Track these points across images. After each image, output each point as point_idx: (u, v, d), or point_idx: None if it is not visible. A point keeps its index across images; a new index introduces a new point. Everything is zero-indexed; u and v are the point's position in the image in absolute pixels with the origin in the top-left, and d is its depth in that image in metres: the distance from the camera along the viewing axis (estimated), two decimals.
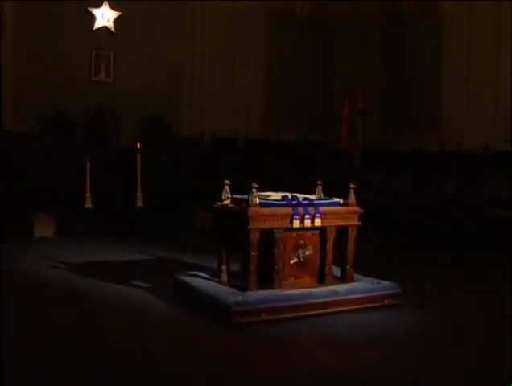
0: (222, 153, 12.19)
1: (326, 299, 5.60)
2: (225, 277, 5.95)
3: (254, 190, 5.51)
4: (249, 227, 5.44)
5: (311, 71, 13.52)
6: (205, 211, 10.53)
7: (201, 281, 5.86)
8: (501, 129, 10.36)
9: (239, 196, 5.95)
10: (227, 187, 6.02)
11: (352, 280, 6.00)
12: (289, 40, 13.40)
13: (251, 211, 5.44)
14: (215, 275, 6.01)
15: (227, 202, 5.96)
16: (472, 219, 8.34)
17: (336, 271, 6.03)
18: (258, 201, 5.52)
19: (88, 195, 10.20)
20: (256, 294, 5.42)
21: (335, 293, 5.69)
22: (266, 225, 5.53)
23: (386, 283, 6.04)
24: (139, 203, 10.54)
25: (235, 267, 6.07)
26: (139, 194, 10.51)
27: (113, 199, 10.44)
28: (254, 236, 5.48)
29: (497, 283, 6.96)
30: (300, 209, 5.66)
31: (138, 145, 10.61)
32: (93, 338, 4.91)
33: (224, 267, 5.97)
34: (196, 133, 12.26)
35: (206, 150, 12.18)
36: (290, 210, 5.63)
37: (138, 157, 10.50)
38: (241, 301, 5.24)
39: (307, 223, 5.69)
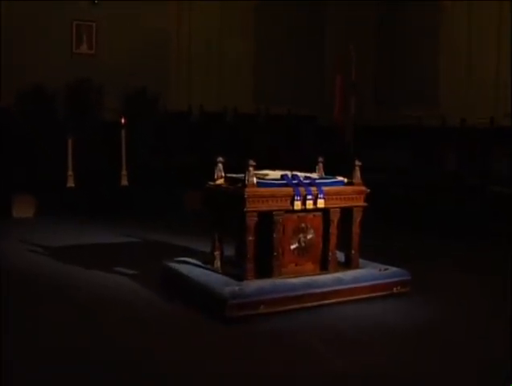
0: (210, 129, 11.51)
1: (330, 288, 5.01)
2: (218, 264, 5.35)
3: (251, 168, 4.88)
4: (245, 209, 4.82)
5: (302, 43, 12.81)
6: (194, 190, 10.01)
7: (192, 269, 5.25)
8: (502, 104, 9.73)
9: (234, 175, 5.33)
10: (220, 165, 5.39)
11: (357, 266, 5.42)
12: (278, 10, 12.65)
13: (248, 191, 4.81)
14: (207, 261, 5.40)
15: (220, 181, 5.33)
16: (474, 197, 7.75)
17: (340, 256, 5.43)
18: (255, 180, 4.89)
19: (70, 173, 9.58)
20: (254, 284, 4.81)
21: (340, 281, 5.10)
22: (265, 207, 4.91)
23: (394, 269, 5.46)
24: (124, 182, 9.95)
25: (229, 251, 5.45)
26: (124, 172, 9.92)
27: (96, 177, 9.80)
28: (251, 220, 4.86)
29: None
30: (302, 189, 5.04)
31: (123, 121, 9.99)
32: (80, 336, 4.30)
33: (217, 253, 5.36)
34: (184, 107, 11.56)
35: (194, 125, 11.49)
36: (290, 190, 5.01)
37: (123, 132, 9.88)
38: (237, 293, 4.63)
39: (310, 204, 5.08)
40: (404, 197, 8.49)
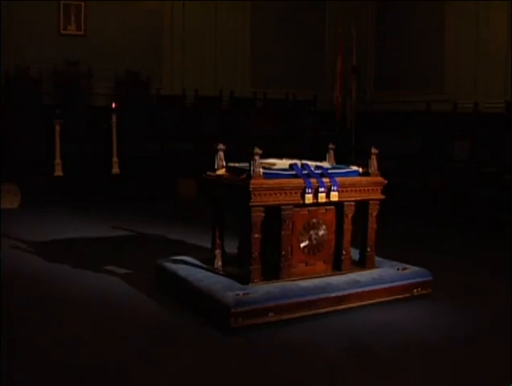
0: (205, 114, 10.87)
1: (346, 292, 4.41)
2: (219, 264, 4.73)
3: (257, 157, 4.25)
4: (250, 203, 4.20)
5: (301, 25, 12.12)
6: (189, 178, 9.42)
7: (190, 270, 4.63)
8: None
9: (236, 164, 4.70)
10: (221, 153, 4.75)
11: (373, 265, 4.82)
12: None
13: (253, 183, 4.19)
14: (206, 260, 4.79)
15: (221, 171, 4.70)
16: (489, 186, 7.15)
17: (353, 254, 4.82)
18: (261, 171, 4.27)
19: (57, 161, 8.96)
20: (261, 288, 4.20)
21: (356, 283, 4.50)
22: (272, 201, 4.29)
23: (414, 269, 4.86)
24: (115, 170, 9.36)
25: (230, 248, 4.84)
26: (115, 159, 9.34)
27: (85, 165, 9.17)
28: (257, 215, 4.25)
29: None
30: (313, 180, 4.43)
31: (113, 105, 9.39)
32: (65, 346, 3.69)
33: (217, 251, 4.74)
34: (177, 91, 10.89)
35: (188, 110, 10.84)
36: (301, 182, 4.39)
37: (114, 118, 9.29)
38: (242, 299, 4.02)
39: (322, 197, 4.46)
40: (413, 186, 7.86)
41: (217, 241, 4.74)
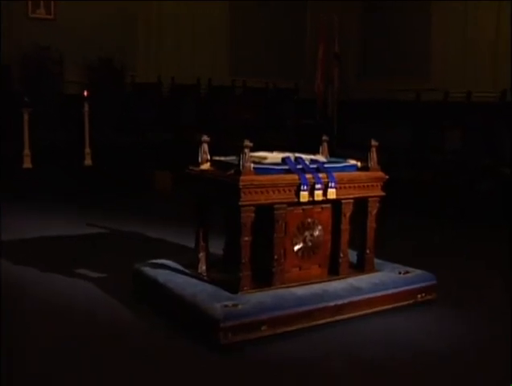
0: (182, 103, 10.32)
1: (346, 300, 3.95)
2: (203, 268, 4.23)
3: (247, 150, 3.75)
4: (240, 202, 3.70)
5: (281, 11, 11.60)
6: (165, 170, 8.90)
7: (171, 276, 4.12)
8: (500, 77, 8.69)
9: (222, 158, 4.20)
10: (205, 146, 4.24)
11: (372, 269, 4.36)
12: None
13: (243, 180, 3.70)
14: (189, 264, 4.28)
15: (206, 166, 4.19)
16: (487, 180, 6.73)
17: (350, 255, 4.36)
18: (252, 166, 3.77)
19: (26, 152, 8.35)
20: (252, 298, 3.72)
21: (356, 290, 4.03)
22: (264, 200, 3.81)
23: (417, 272, 4.41)
24: (88, 161, 8.78)
25: (215, 248, 4.35)
26: (88, 150, 8.75)
27: (56, 156, 8.55)
28: (248, 216, 3.76)
29: None
30: (309, 176, 3.94)
31: (85, 93, 8.78)
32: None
33: (201, 254, 4.24)
34: (153, 79, 10.32)
35: (164, 99, 10.28)
36: (295, 177, 3.90)
37: (86, 107, 8.68)
38: (232, 312, 3.53)
39: (319, 195, 3.99)
40: (403, 178, 7.39)
41: (201, 243, 4.23)
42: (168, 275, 4.11)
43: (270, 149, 4.32)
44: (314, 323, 3.78)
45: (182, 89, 10.42)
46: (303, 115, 10.81)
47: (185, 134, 9.52)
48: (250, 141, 3.77)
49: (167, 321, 3.84)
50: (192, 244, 4.45)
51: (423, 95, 8.98)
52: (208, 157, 4.22)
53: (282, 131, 10.20)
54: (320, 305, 3.81)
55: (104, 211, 7.26)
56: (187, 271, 4.19)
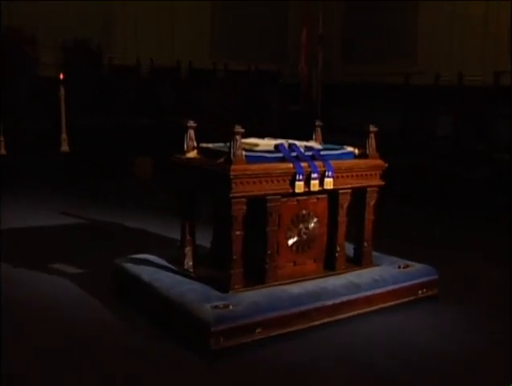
0: (162, 86, 9.93)
1: (345, 298, 3.65)
2: (189, 264, 3.91)
3: (238, 137, 3.42)
4: (231, 194, 3.37)
5: None
6: (145, 155, 8.54)
7: (156, 273, 3.79)
8: (492, 60, 8.42)
9: (210, 145, 3.87)
10: (191, 132, 3.90)
11: (370, 263, 4.07)
12: None
13: (234, 169, 3.37)
14: (173, 259, 3.96)
15: (192, 154, 3.85)
16: (481, 166, 6.46)
17: (346, 248, 4.06)
18: (243, 154, 3.44)
19: (0, 138, 7.90)
20: (244, 298, 3.40)
21: (356, 287, 3.74)
22: (257, 191, 3.49)
23: (417, 266, 4.13)
24: (64, 148, 8.33)
25: (202, 240, 4.04)
26: (64, 136, 8.30)
27: (31, 142, 8.14)
28: (239, 209, 3.44)
29: None
30: (304, 165, 3.63)
31: (61, 76, 8.31)
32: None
33: (188, 249, 3.91)
34: (131, 61, 9.90)
35: (143, 82, 9.88)
36: (289, 166, 3.59)
37: (62, 90, 8.22)
38: (224, 314, 3.21)
39: (315, 185, 3.68)
40: (393, 165, 7.07)
41: (188, 237, 3.91)
42: (153, 272, 3.78)
43: (255, 136, 3.99)
44: (311, 324, 3.48)
45: (161, 72, 10.01)
46: (287, 99, 10.48)
47: (165, 118, 9.17)
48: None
49: (152, 323, 3.52)
50: (176, 236, 4.17)
51: (412, 78, 8.68)
52: (195, 144, 3.89)
53: (266, 116, 9.86)
54: (318, 305, 3.51)
55: (81, 200, 6.91)
56: (172, 267, 3.86)
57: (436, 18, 9.17)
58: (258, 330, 3.27)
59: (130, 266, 3.91)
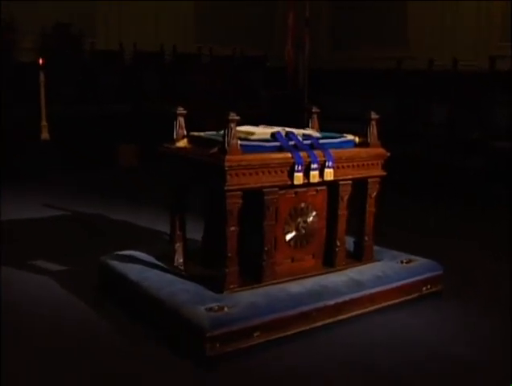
0: (146, 71, 9.59)
1: (347, 297, 3.41)
2: (180, 261, 3.64)
3: (233, 125, 3.15)
4: (226, 187, 3.11)
5: None
6: (129, 143, 8.23)
7: (144, 272, 3.52)
8: (486, 44, 8.19)
9: (201, 134, 3.59)
10: (181, 119, 3.62)
11: (371, 258, 3.83)
12: None
13: (229, 160, 3.10)
14: (162, 255, 3.69)
15: (183, 142, 3.58)
16: (477, 155, 6.23)
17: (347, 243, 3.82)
18: (239, 144, 3.17)
19: None
20: (241, 298, 3.15)
21: (358, 285, 3.49)
22: (253, 183, 3.23)
23: (421, 261, 3.90)
24: (45, 135, 8.00)
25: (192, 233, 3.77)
26: (44, 123, 7.97)
27: (10, 130, 7.79)
28: (234, 202, 3.17)
29: None
30: (304, 154, 3.36)
31: (41, 61, 7.97)
32: None
33: (178, 245, 3.64)
34: (114, 46, 9.53)
35: (126, 67, 9.52)
36: (288, 156, 3.33)
37: (41, 76, 7.89)
38: (220, 318, 2.96)
39: (315, 176, 3.42)
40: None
41: (178, 232, 3.64)
42: (141, 271, 3.51)
43: (244, 123, 3.71)
44: (312, 325, 3.23)
45: (145, 57, 9.66)
46: (274, 84, 10.19)
47: (150, 105, 8.86)
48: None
49: (141, 325, 3.26)
50: (164, 229, 3.95)
51: (404, 64, 8.41)
52: (185, 132, 3.61)
53: (253, 101, 9.56)
54: (319, 305, 3.26)
55: (64, 191, 6.60)
56: (161, 265, 3.60)
57: (427, 1, 8.90)
58: (256, 334, 3.02)
59: (116, 264, 3.64)
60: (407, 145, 6.69)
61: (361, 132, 3.84)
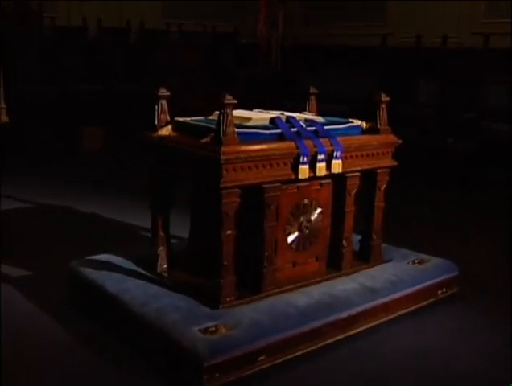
0: (111, 49, 8.95)
1: (360, 308, 2.92)
2: (164, 266, 3.11)
3: (229, 110, 2.62)
4: (222, 184, 2.58)
5: None
6: (94, 126, 7.62)
7: (123, 282, 2.98)
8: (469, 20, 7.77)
9: (188, 120, 3.05)
10: (163, 102, 3.06)
11: (380, 259, 3.36)
12: None
13: (226, 152, 2.58)
14: (143, 259, 3.16)
15: (167, 130, 3.02)
16: (470, 137, 5.80)
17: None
18: (235, 132, 2.65)
19: None
20: (241, 315, 2.64)
21: (372, 292, 3.02)
22: (252, 179, 2.71)
23: (435, 261, 3.45)
24: (4, 118, 7.36)
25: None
26: (3, 105, 7.34)
27: None
28: (231, 202, 2.66)
29: None
30: (309, 143, 2.85)
31: None
32: None
33: (161, 249, 3.10)
34: (76, 22, 8.87)
35: (90, 45, 8.87)
36: (292, 146, 2.81)
37: None
38: (220, 343, 2.45)
39: (321, 169, 2.92)
40: None
41: (161, 235, 3.10)
42: (119, 281, 2.97)
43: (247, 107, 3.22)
44: (323, 343, 2.75)
45: (110, 33, 9.03)
46: (247, 62, 9.64)
47: (116, 84, 8.25)
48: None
49: (121, 345, 2.73)
50: (140, 223, 3.46)
51: (387, 40, 7.95)
52: (168, 118, 3.06)
53: (226, 81, 9.00)
54: (331, 319, 2.78)
55: (23, 178, 5.95)
56: (143, 272, 3.07)
57: None
58: (260, 359, 2.53)
59: (89, 272, 3.09)
60: (396, 127, 6.21)
61: (354, 115, 3.38)
